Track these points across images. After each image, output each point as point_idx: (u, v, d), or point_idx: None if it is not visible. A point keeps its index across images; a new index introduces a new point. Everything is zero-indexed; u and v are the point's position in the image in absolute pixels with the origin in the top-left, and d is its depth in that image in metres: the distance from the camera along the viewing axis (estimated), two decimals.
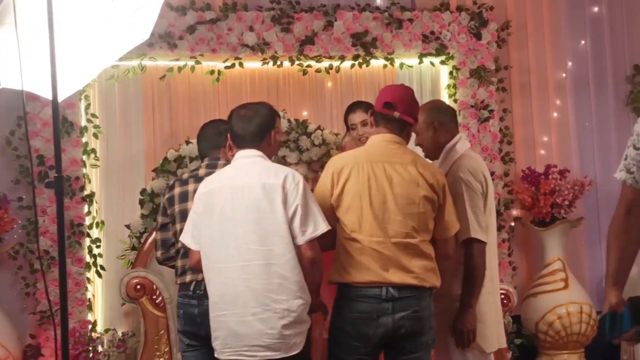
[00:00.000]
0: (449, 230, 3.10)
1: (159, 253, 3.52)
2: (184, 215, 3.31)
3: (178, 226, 3.36)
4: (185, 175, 3.50)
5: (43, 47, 2.50)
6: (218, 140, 3.48)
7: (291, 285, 2.91)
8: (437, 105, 3.63)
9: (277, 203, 2.91)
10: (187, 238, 3.11)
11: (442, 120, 3.41)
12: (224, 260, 2.95)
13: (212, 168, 3.41)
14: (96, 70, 2.89)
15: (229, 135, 3.18)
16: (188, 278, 3.33)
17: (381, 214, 3.00)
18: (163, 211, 3.50)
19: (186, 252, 3.29)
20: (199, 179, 3.32)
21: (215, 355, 3.04)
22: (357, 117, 4.29)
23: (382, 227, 3.00)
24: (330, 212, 3.04)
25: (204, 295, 3.15)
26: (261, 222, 2.91)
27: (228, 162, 3.31)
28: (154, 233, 3.53)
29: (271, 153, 3.17)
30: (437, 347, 3.23)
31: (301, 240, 2.92)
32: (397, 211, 3.00)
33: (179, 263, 3.40)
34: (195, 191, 3.21)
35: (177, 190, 3.45)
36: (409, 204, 3.01)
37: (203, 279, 3.15)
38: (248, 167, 3.03)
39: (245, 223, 2.92)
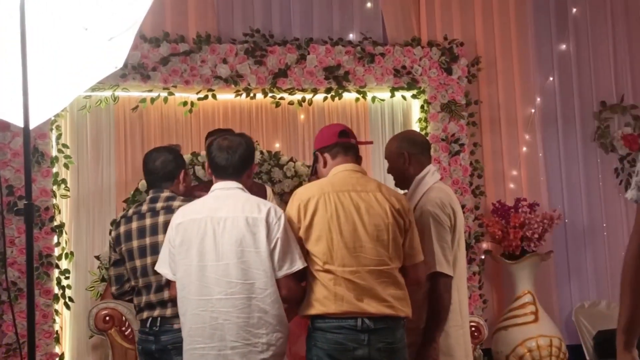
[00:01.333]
0: (418, 256, 3.10)
1: (113, 289, 3.49)
2: (130, 254, 3.30)
3: (128, 265, 3.34)
4: (130, 212, 3.43)
5: (15, 75, 2.49)
6: (171, 172, 3.42)
7: (271, 320, 2.92)
8: (409, 136, 3.64)
9: (260, 237, 2.91)
10: (164, 268, 3.07)
11: (413, 151, 3.43)
12: (202, 293, 2.91)
13: (154, 202, 3.35)
14: (69, 98, 2.88)
15: (206, 164, 3.17)
16: (145, 315, 3.30)
17: (352, 242, 2.98)
18: (113, 248, 3.45)
19: (141, 289, 3.28)
20: (141, 216, 3.32)
21: None
22: None
23: (355, 255, 2.97)
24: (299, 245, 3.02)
25: (160, 332, 3.18)
26: (244, 256, 2.90)
27: (173, 195, 3.32)
28: (109, 269, 3.47)
29: (248, 185, 3.17)
30: None
31: (279, 274, 2.94)
32: (368, 239, 2.98)
33: (135, 300, 3.37)
34: (138, 229, 3.26)
35: (122, 228, 3.39)
36: (378, 230, 3.00)
37: (159, 316, 3.19)
38: (229, 199, 3.01)
39: (227, 256, 2.90)
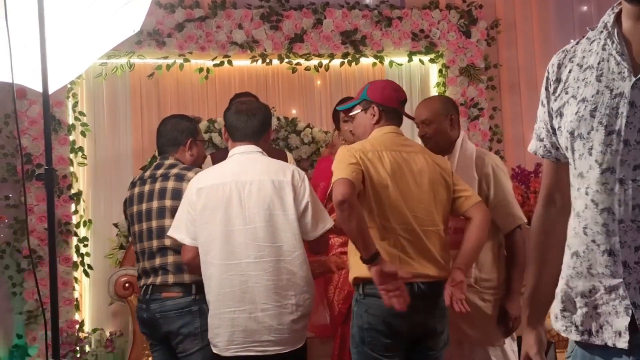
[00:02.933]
0: (474, 198, 3.02)
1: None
2: (132, 219, 3.33)
3: (131, 230, 3.35)
4: (137, 177, 3.43)
5: (33, 40, 2.46)
6: (177, 137, 3.38)
7: (299, 281, 2.95)
8: (450, 99, 3.62)
9: (288, 199, 2.93)
10: (180, 234, 3.05)
11: (456, 115, 3.40)
12: (230, 257, 2.92)
13: (156, 169, 3.33)
14: (87, 62, 2.85)
15: (223, 129, 3.16)
16: (141, 282, 3.30)
17: (409, 202, 2.88)
18: (124, 212, 3.45)
19: (138, 255, 3.28)
20: (143, 182, 3.32)
21: (216, 352, 2.99)
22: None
23: (412, 215, 2.88)
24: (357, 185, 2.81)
25: (150, 300, 3.19)
26: (272, 219, 2.92)
27: (176, 162, 3.30)
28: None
29: (266, 150, 3.16)
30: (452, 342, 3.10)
31: (313, 235, 2.97)
32: (423, 199, 2.91)
33: (136, 267, 3.38)
34: (139, 194, 3.28)
35: (128, 193, 3.40)
36: (433, 191, 2.93)
37: (151, 284, 3.20)
38: (251, 163, 3.02)
39: (255, 219, 2.92)
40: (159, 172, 3.29)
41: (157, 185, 3.26)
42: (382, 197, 2.88)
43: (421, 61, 5.64)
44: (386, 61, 5.58)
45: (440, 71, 5.65)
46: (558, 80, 1.71)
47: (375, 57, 5.52)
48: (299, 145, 5.29)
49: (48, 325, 2.37)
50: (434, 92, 5.66)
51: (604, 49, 1.62)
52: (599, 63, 1.62)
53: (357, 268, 2.87)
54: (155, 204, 3.24)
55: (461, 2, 5.71)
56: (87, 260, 5.10)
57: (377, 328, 2.86)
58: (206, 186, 3.01)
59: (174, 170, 3.26)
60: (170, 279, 3.17)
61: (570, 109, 1.65)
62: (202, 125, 5.29)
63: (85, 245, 5.11)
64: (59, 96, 4.97)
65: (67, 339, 4.84)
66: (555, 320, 1.72)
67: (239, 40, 5.29)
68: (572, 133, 1.63)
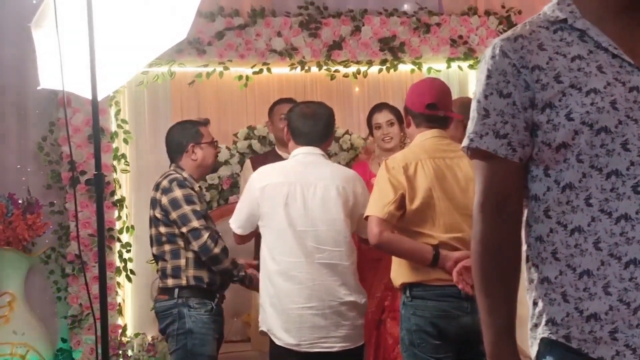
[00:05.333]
0: None
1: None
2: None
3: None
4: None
5: (82, 48, 2.52)
6: (179, 144, 3.56)
7: (354, 285, 3.12)
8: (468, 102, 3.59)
9: (348, 207, 3.05)
10: (234, 224, 3.23)
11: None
12: (292, 255, 3.02)
13: (160, 177, 3.52)
14: (135, 69, 2.91)
15: (286, 129, 3.23)
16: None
17: (454, 209, 2.89)
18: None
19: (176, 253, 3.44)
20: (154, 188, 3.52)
21: (288, 347, 3.08)
22: (383, 116, 4.35)
23: (455, 223, 2.89)
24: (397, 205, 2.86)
25: (155, 300, 3.57)
26: (334, 224, 3.04)
27: (170, 172, 3.47)
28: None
29: (326, 153, 3.27)
30: None
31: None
32: (468, 205, 2.78)
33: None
34: (150, 200, 3.47)
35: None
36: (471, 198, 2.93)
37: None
38: (316, 165, 3.10)
39: (317, 222, 3.03)
40: (158, 180, 3.53)
41: (152, 194, 3.51)
42: (427, 206, 2.88)
43: (460, 67, 5.64)
44: (424, 68, 5.58)
45: None
46: (536, 67, 1.52)
47: (414, 63, 5.53)
48: (338, 152, 5.31)
49: (95, 329, 2.42)
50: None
51: (583, 41, 1.52)
52: (588, 54, 1.51)
53: (401, 274, 2.93)
54: (150, 212, 3.51)
55: (500, 7, 5.69)
56: (129, 265, 5.18)
57: (425, 329, 2.88)
58: (269, 184, 3.09)
59: (163, 181, 3.46)
60: (161, 283, 3.49)
61: (575, 99, 1.48)
62: (241, 132, 5.35)
63: (128, 251, 5.19)
64: (102, 104, 5.05)
65: (110, 344, 4.91)
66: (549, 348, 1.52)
67: (278, 48, 5.33)
68: (591, 126, 1.47)
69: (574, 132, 1.48)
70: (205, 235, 3.30)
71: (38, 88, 2.98)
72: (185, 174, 3.48)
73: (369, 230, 2.83)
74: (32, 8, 2.90)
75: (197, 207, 3.38)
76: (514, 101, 1.54)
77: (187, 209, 3.35)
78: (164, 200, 3.40)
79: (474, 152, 1.59)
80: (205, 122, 3.77)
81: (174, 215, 3.37)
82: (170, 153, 3.58)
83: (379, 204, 2.84)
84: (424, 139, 3.03)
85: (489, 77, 1.57)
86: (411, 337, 2.91)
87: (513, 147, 1.54)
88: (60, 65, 2.44)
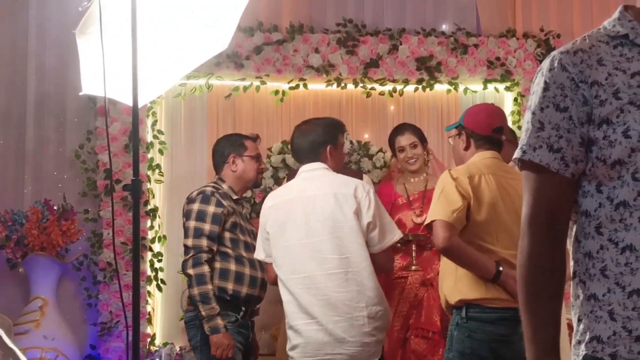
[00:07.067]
0: None
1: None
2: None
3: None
4: None
5: (124, 55, 2.57)
6: (222, 155, 3.65)
7: (369, 292, 2.95)
8: None
9: (350, 212, 2.95)
10: (260, 254, 3.17)
11: None
12: (299, 271, 2.97)
13: (197, 189, 3.61)
14: (176, 78, 2.95)
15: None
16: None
17: (514, 225, 2.80)
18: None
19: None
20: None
21: None
22: (406, 139, 4.33)
23: (516, 240, 2.83)
24: (461, 214, 2.83)
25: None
26: (337, 231, 2.95)
27: (212, 183, 3.58)
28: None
29: (335, 167, 3.19)
30: None
31: (380, 247, 2.98)
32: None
33: None
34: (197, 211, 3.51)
35: None
36: None
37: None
38: (316, 178, 3.07)
39: (319, 232, 2.96)
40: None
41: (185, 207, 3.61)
42: (489, 220, 2.86)
43: (496, 89, 5.62)
44: (461, 88, 5.57)
45: (515, 99, 5.61)
46: (595, 82, 1.50)
47: (450, 83, 5.52)
48: (371, 169, 5.31)
49: (126, 337, 2.44)
50: (508, 119, 5.60)
51: None
52: None
53: (459, 291, 2.85)
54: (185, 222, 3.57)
55: (539, 31, 5.67)
56: (160, 275, 5.21)
57: (480, 354, 2.80)
58: (276, 203, 3.11)
59: (193, 194, 3.57)
60: (189, 293, 3.53)
61: (633, 116, 1.46)
62: (276, 147, 5.37)
63: (160, 261, 5.22)
64: (140, 114, 4.98)
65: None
66: None
67: (315, 64, 5.36)
68: None
69: (631, 149, 1.46)
70: (190, 253, 3.44)
71: (80, 94, 3.04)
72: (225, 186, 3.51)
73: (435, 234, 2.80)
74: (76, 16, 2.94)
75: (205, 226, 3.44)
76: (570, 115, 1.51)
77: (192, 224, 3.47)
78: (185, 209, 3.56)
79: (525, 164, 1.58)
80: (254, 137, 3.82)
81: (185, 225, 3.53)
82: (214, 163, 3.65)
83: (447, 209, 2.80)
84: (482, 157, 3.02)
85: (546, 89, 1.54)
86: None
87: (566, 161, 1.52)
88: (103, 72, 2.48)
